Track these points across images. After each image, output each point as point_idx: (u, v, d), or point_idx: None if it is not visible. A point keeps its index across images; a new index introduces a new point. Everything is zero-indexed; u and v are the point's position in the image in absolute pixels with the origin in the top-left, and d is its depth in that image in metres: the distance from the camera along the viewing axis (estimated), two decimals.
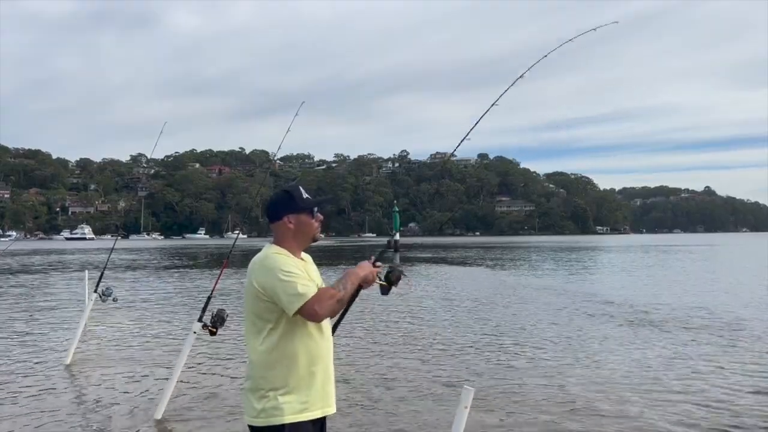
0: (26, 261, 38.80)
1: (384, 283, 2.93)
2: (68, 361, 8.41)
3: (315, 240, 2.84)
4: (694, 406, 6.32)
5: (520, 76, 3.71)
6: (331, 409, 2.78)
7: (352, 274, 2.75)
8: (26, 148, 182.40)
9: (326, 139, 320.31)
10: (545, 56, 3.84)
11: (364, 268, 2.82)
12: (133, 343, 10.09)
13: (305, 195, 2.81)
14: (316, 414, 2.70)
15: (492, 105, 3.66)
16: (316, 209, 2.80)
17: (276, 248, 2.76)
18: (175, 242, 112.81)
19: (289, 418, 2.62)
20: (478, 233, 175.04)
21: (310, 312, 2.57)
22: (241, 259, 38.41)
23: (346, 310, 2.98)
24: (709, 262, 35.06)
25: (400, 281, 2.94)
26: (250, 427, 2.70)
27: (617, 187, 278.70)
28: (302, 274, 2.66)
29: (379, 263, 2.90)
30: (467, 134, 3.65)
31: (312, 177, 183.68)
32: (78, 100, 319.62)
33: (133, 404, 6.49)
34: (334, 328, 3.01)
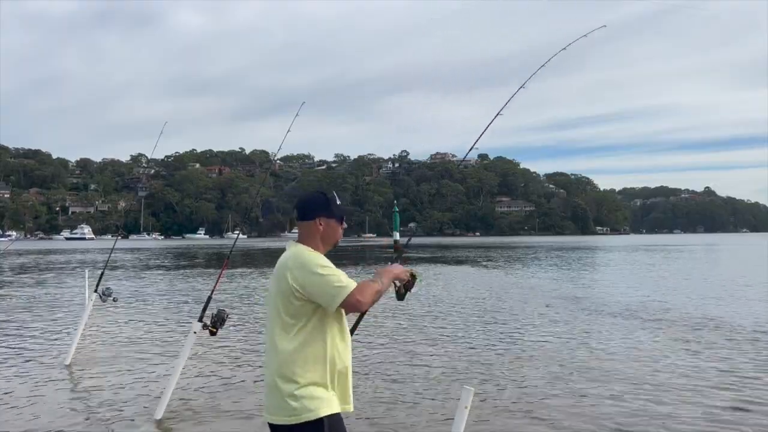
0: (26, 261, 38.80)
1: (401, 288, 3.00)
2: (68, 361, 8.41)
3: (335, 246, 2.94)
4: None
5: (522, 86, 4.01)
6: (350, 407, 2.82)
7: (387, 272, 2.87)
8: (26, 148, 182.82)
9: (326, 139, 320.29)
10: (543, 66, 4.16)
11: (397, 267, 2.97)
12: (133, 343, 10.09)
13: (339, 202, 2.93)
14: (341, 409, 2.75)
15: (496, 115, 4.01)
16: (344, 218, 2.94)
17: (305, 246, 2.83)
18: (175, 242, 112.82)
19: (325, 411, 2.64)
20: (478, 233, 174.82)
21: (352, 302, 2.65)
22: (242, 259, 38.56)
23: (363, 314, 3.10)
24: (709, 264, 35.09)
25: (414, 286, 3.01)
26: (277, 426, 2.68)
27: (617, 188, 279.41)
28: (338, 269, 2.73)
29: (408, 267, 3.01)
30: (474, 144, 4.04)
31: (312, 177, 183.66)
32: (79, 100, 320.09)
33: (133, 404, 6.50)
34: (353, 330, 3.09)
